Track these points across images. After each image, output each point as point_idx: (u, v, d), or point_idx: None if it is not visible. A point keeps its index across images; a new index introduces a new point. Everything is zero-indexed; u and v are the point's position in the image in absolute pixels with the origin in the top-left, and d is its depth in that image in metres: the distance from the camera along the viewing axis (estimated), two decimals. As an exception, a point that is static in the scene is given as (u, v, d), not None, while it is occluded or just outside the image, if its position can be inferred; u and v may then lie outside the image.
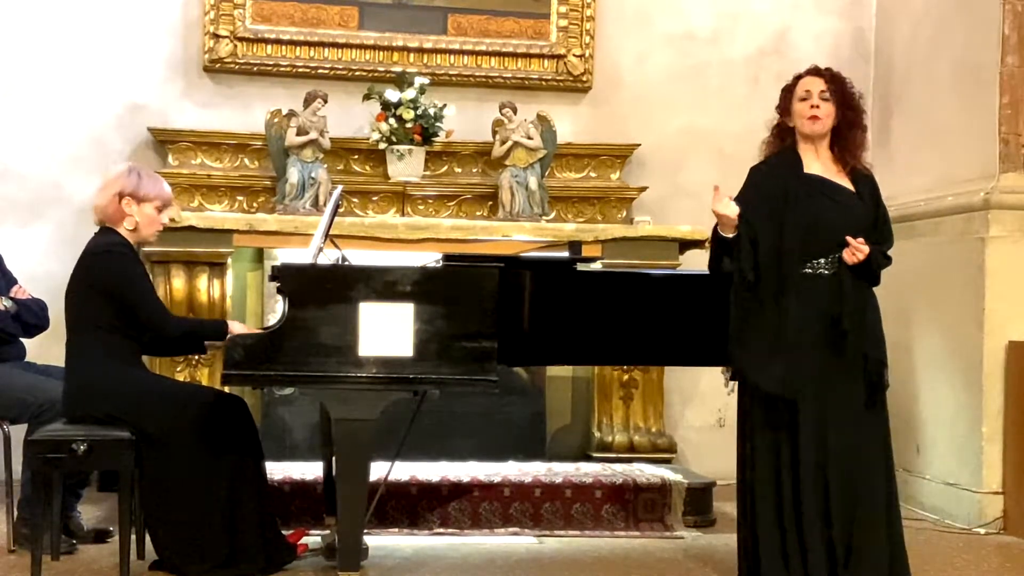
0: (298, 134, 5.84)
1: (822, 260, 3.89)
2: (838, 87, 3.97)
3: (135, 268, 4.24)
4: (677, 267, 5.61)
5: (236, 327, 4.28)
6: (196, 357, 5.51)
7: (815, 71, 4.02)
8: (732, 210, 3.87)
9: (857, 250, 3.82)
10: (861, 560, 3.84)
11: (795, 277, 3.87)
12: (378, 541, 4.64)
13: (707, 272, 4.11)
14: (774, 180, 3.95)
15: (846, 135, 3.96)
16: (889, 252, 4.00)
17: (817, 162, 3.97)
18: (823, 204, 3.89)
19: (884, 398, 3.96)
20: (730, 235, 3.91)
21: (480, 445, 5.69)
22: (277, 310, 4.74)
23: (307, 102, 5.89)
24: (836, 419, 3.86)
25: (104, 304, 4.15)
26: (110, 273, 4.17)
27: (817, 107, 3.93)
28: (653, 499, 5.16)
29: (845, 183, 3.95)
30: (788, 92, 4.03)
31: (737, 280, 3.92)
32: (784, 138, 4.03)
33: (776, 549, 3.89)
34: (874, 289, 4.01)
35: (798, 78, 4.03)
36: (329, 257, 4.42)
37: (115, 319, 4.15)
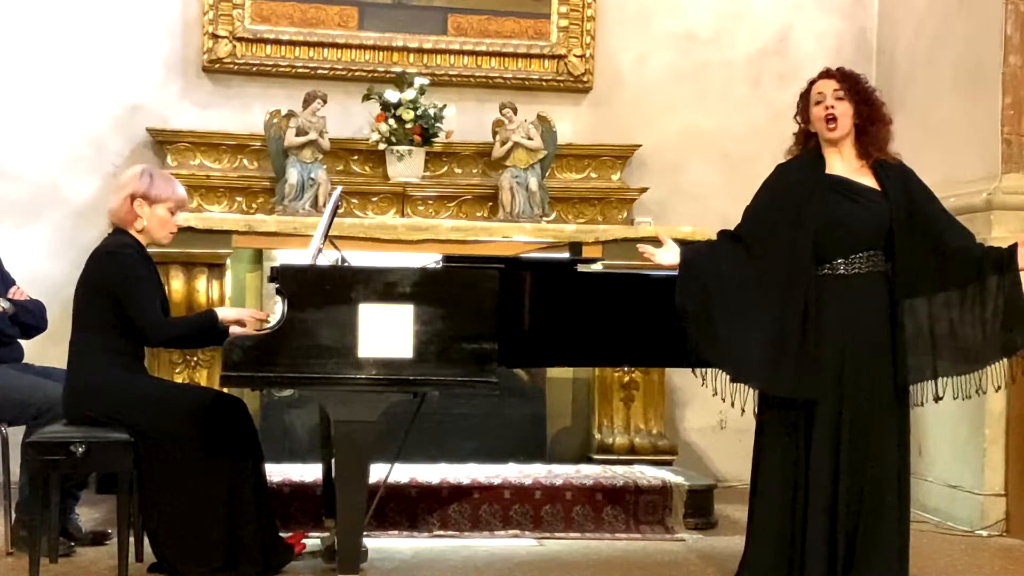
0: (297, 135, 5.82)
1: (840, 260, 3.84)
2: (851, 85, 3.92)
3: (137, 270, 4.21)
4: (678, 268, 5.59)
5: (226, 313, 4.32)
6: (195, 358, 5.50)
7: (826, 73, 3.98)
8: (668, 260, 3.98)
9: None
10: (863, 570, 3.81)
11: (810, 277, 3.82)
12: (378, 543, 4.62)
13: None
14: (795, 179, 3.92)
15: (868, 130, 3.91)
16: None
17: (841, 162, 3.92)
18: (842, 205, 3.84)
19: (908, 401, 3.90)
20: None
21: (480, 447, 5.69)
22: (276, 311, 4.72)
23: (306, 102, 5.87)
24: (855, 420, 3.80)
25: (105, 304, 4.15)
26: (111, 273, 4.16)
27: (832, 107, 3.89)
28: (654, 501, 5.15)
29: (869, 181, 3.90)
30: (804, 98, 3.99)
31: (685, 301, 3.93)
32: (807, 142, 4.00)
33: (769, 552, 3.87)
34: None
35: (811, 83, 3.99)
36: (328, 258, 4.40)
37: (116, 320, 4.14)
